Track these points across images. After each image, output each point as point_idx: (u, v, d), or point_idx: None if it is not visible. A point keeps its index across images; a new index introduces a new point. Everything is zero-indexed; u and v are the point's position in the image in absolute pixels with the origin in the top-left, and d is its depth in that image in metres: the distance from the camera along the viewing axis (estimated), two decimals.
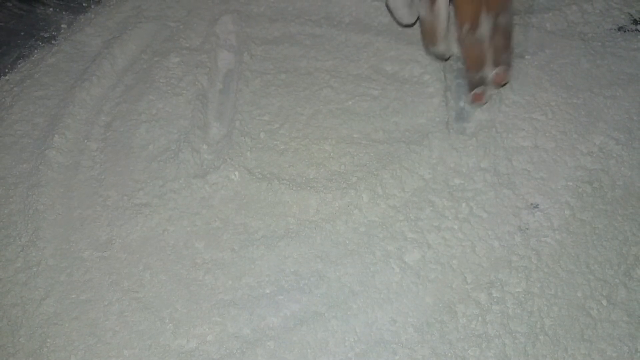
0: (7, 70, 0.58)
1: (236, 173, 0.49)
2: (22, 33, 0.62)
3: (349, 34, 0.60)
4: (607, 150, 0.51)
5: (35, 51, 0.60)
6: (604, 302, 0.43)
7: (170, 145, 0.52)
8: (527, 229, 0.47)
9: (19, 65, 0.59)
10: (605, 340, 0.42)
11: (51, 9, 0.63)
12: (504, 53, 0.49)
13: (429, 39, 0.49)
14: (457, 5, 0.47)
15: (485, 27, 0.47)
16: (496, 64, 0.49)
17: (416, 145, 0.51)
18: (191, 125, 0.53)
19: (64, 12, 0.63)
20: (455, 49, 0.50)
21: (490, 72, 0.49)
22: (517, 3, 0.62)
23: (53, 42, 0.61)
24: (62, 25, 0.62)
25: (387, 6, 0.51)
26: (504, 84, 0.50)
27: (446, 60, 0.51)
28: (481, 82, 0.49)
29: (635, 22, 0.60)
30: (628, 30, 0.59)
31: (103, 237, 0.48)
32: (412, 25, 0.52)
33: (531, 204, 0.48)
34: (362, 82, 0.56)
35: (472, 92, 0.50)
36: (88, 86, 0.56)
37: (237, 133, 0.53)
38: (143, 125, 0.53)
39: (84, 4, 0.64)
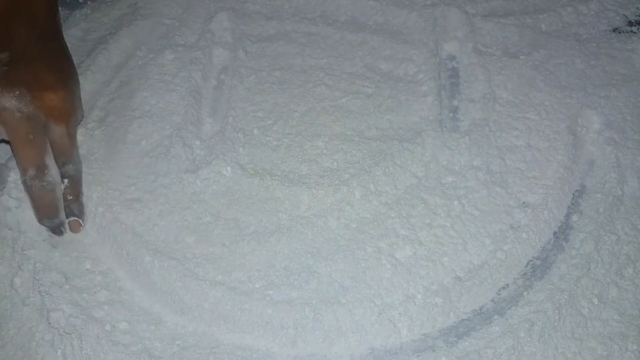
0: None
1: (228, 168, 0.49)
2: None
3: (344, 32, 0.60)
4: (600, 150, 0.51)
5: None
6: (595, 301, 0.43)
7: (162, 141, 0.52)
8: (519, 227, 0.47)
9: None
10: (595, 338, 0.41)
11: None
12: (74, 203, 0.47)
13: (46, 211, 0.46)
14: (17, 149, 0.45)
15: (54, 172, 0.46)
16: (67, 215, 0.47)
17: (409, 143, 0.51)
18: (184, 121, 0.53)
19: (59, 8, 0.63)
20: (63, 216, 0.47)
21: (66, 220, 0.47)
22: (512, 3, 0.62)
23: None
24: None
25: None
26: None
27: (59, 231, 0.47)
28: (61, 226, 0.47)
29: (630, 23, 0.60)
30: (623, 32, 0.59)
31: (93, 231, 0.48)
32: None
33: (523, 203, 0.48)
34: (357, 80, 0.56)
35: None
36: (82, 81, 0.56)
37: (230, 129, 0.53)
38: (136, 121, 0.53)
39: (80, 0, 0.64)
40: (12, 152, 0.47)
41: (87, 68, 0.57)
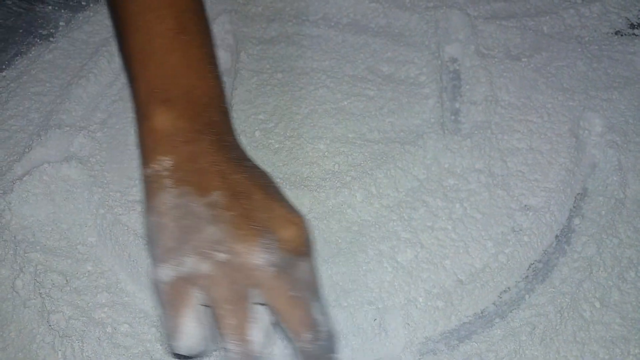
0: (4, 66, 0.58)
1: None
2: (21, 30, 0.62)
3: (346, 34, 0.60)
4: (602, 152, 0.51)
5: (33, 48, 0.60)
6: (597, 304, 0.43)
7: None
8: (521, 230, 0.46)
9: (16, 62, 0.59)
10: (597, 342, 0.41)
11: (50, 7, 0.64)
12: None
13: None
14: (283, 311, 0.34)
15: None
16: None
17: (411, 146, 0.51)
18: None
19: (62, 10, 0.63)
20: None
21: None
22: (514, 6, 0.62)
23: (51, 39, 0.61)
24: (61, 23, 0.62)
25: None
26: None
27: None
28: None
29: (632, 26, 0.60)
30: (625, 34, 0.59)
31: (94, 233, 0.48)
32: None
33: (525, 206, 0.48)
34: (358, 82, 0.56)
35: None
36: (85, 83, 0.56)
37: None
38: None
39: (82, 3, 0.64)
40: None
41: (89, 70, 0.57)
